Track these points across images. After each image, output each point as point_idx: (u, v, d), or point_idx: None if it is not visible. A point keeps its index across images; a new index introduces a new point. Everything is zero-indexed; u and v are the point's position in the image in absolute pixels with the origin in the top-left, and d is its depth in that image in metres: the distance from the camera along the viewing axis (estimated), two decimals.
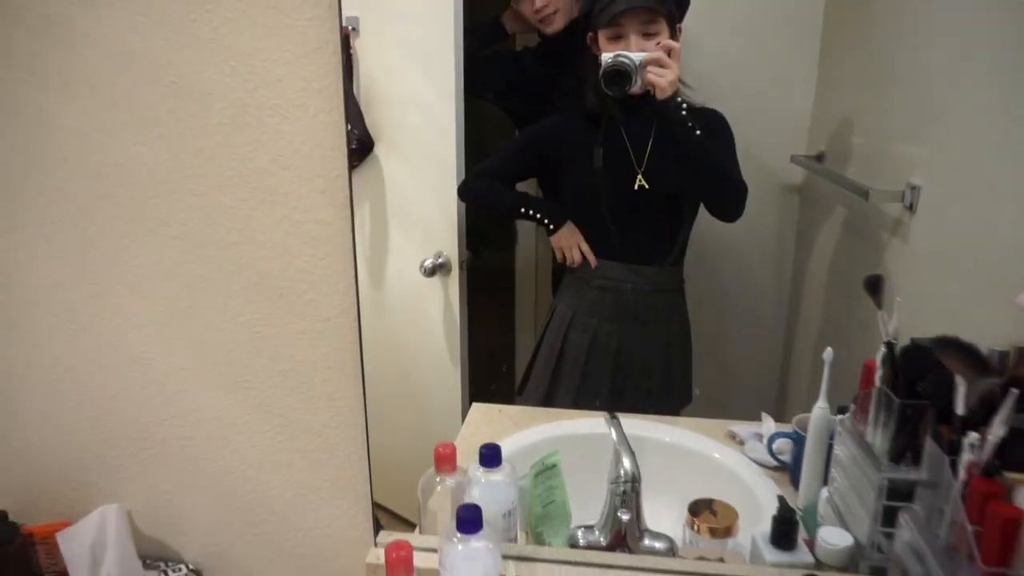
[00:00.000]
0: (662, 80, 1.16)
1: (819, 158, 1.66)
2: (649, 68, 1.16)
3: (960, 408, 0.77)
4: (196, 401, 1.11)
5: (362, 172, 1.64)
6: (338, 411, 1.09)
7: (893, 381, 0.91)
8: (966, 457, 0.75)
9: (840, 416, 1.06)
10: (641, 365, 1.41)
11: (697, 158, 1.25)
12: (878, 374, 0.94)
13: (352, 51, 1.57)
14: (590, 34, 1.25)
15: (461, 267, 1.61)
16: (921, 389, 0.86)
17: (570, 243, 1.37)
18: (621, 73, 1.17)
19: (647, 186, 1.29)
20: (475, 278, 1.75)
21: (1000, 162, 0.97)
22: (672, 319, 1.43)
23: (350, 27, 1.56)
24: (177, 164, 1.00)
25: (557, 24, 1.39)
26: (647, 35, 1.19)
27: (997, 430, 0.73)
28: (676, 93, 1.17)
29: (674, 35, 1.22)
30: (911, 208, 1.19)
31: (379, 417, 1.20)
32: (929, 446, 0.82)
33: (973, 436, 0.74)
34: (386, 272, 1.70)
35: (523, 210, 1.43)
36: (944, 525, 0.78)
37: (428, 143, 1.56)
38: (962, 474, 0.76)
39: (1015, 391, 0.72)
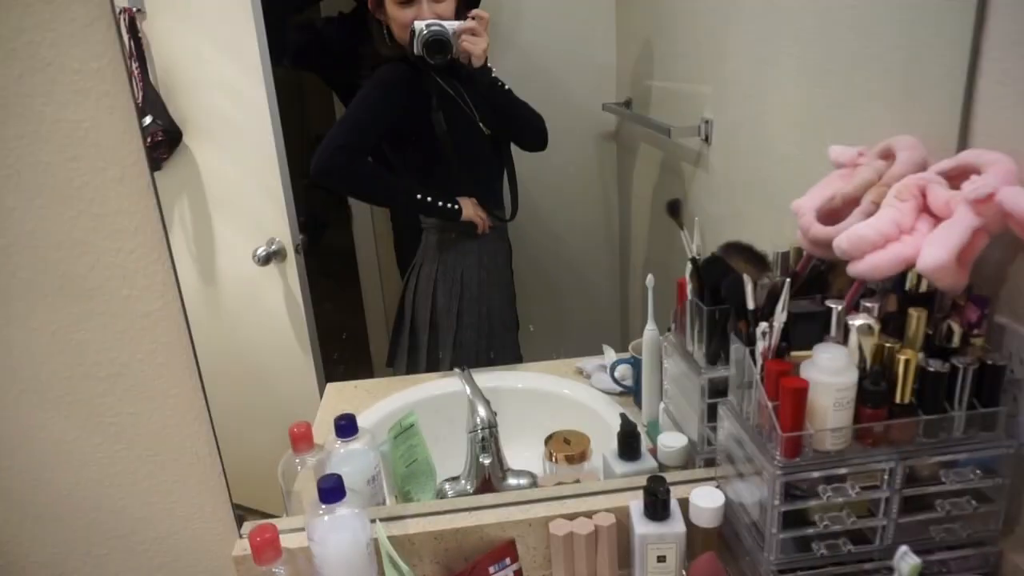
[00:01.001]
0: (476, 48, 1.21)
1: (627, 104, 1.78)
2: (463, 37, 1.21)
3: (750, 303, 0.87)
4: (12, 427, 1.02)
5: (174, 165, 1.54)
6: (176, 408, 1.04)
7: (700, 292, 1.01)
8: (760, 345, 0.85)
9: (667, 334, 1.16)
10: (500, 309, 1.50)
11: (511, 106, 1.35)
12: (688, 288, 1.04)
13: (141, 34, 1.46)
14: (373, 1, 1.26)
15: (297, 251, 1.57)
16: (723, 294, 0.96)
17: (476, 210, 1.41)
18: (441, 42, 1.20)
19: (487, 131, 1.36)
20: (314, 261, 1.72)
21: (775, 88, 1.10)
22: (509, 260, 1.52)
23: (134, 8, 1.45)
24: None
25: None
26: (437, 2, 1.23)
27: (779, 317, 0.83)
28: (487, 61, 1.24)
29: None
30: (707, 140, 1.31)
31: (234, 416, 1.16)
32: (732, 342, 0.92)
33: (764, 325, 0.84)
34: (217, 266, 1.62)
35: (419, 199, 1.40)
36: (752, 408, 0.89)
37: (241, 126, 1.49)
38: (759, 360, 0.86)
39: (788, 280, 0.83)
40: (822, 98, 0.95)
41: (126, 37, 1.47)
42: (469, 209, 1.40)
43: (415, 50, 1.22)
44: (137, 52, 1.49)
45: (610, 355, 1.43)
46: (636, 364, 1.29)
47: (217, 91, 1.49)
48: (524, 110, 1.36)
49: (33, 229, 0.94)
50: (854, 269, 0.72)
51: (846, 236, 0.70)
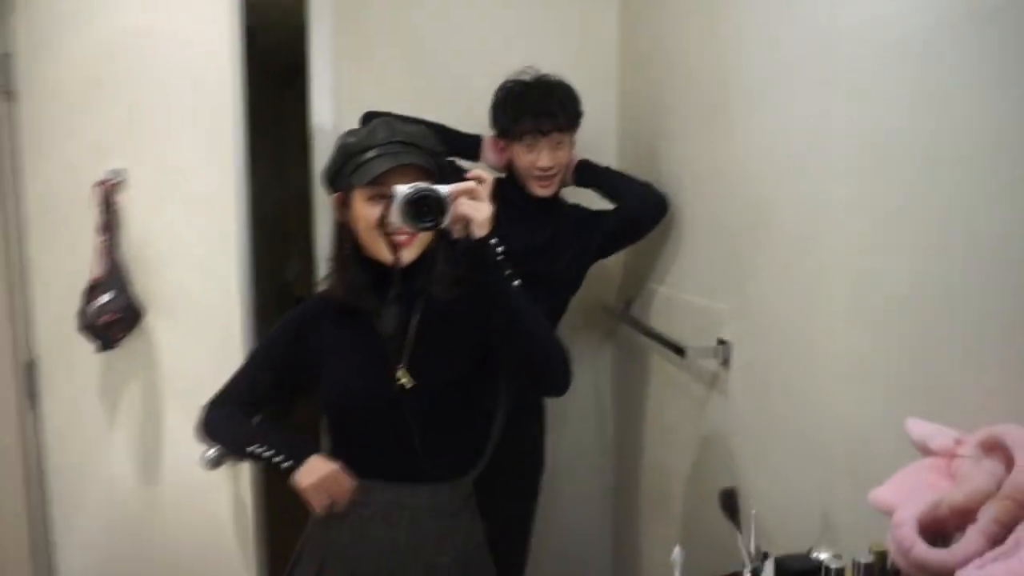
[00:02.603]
0: (478, 214, 0.90)
1: (626, 306, 1.68)
2: (460, 200, 0.90)
3: None
4: None
5: (129, 345, 1.36)
6: None
7: None
8: None
9: None
10: None
11: (518, 316, 0.94)
12: None
13: (113, 207, 1.34)
14: (337, 195, 1.01)
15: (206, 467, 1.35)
16: None
17: (325, 485, 0.97)
18: (428, 198, 0.90)
19: (407, 383, 0.98)
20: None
21: (817, 325, 0.98)
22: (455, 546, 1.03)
23: (111, 180, 1.34)
24: None
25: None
26: None
27: None
28: (491, 233, 0.91)
29: None
30: (725, 364, 1.18)
31: None
32: None
33: None
34: (163, 464, 1.39)
35: (254, 447, 1.01)
36: None
37: (209, 308, 1.35)
38: None
39: None
40: (884, 348, 0.82)
41: (99, 210, 1.36)
42: (308, 477, 0.96)
43: (392, 218, 0.91)
44: (108, 224, 1.36)
45: None
46: None
47: (189, 269, 1.35)
48: (541, 327, 0.98)
49: None
50: None
51: None
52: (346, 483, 0.98)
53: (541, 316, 0.98)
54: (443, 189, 0.91)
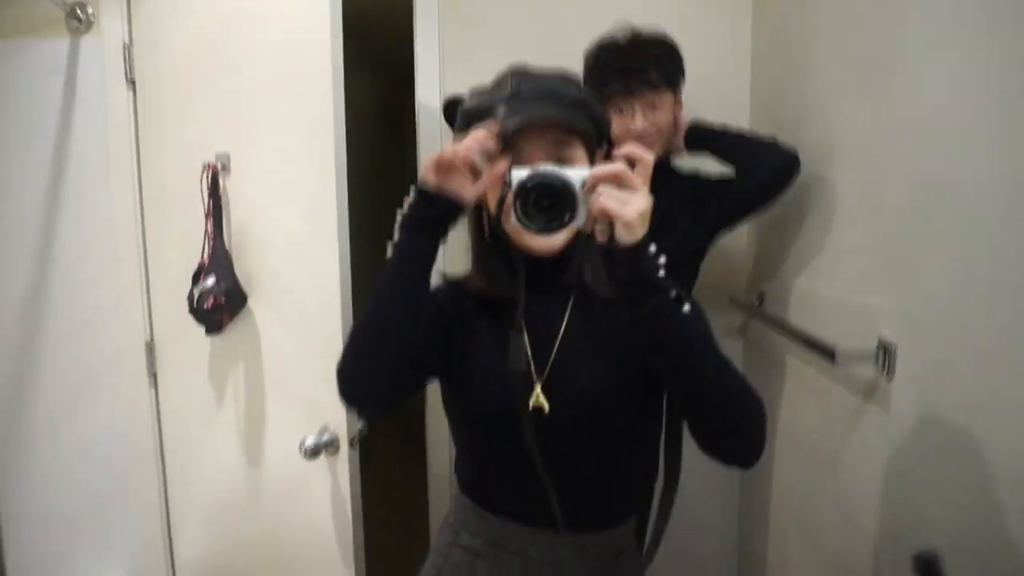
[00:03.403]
0: (627, 210, 0.65)
1: (760, 300, 1.47)
2: (601, 189, 0.66)
3: None
4: None
5: (235, 330, 1.36)
6: None
7: None
8: None
9: None
10: None
11: (690, 357, 0.68)
12: None
13: (222, 191, 1.34)
14: None
15: (352, 444, 1.31)
16: None
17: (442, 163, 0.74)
18: (551, 188, 0.68)
19: (547, 407, 0.77)
20: (373, 453, 1.43)
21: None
22: None
23: (219, 164, 1.34)
24: None
25: None
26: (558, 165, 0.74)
27: None
28: (647, 238, 0.67)
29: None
30: (887, 371, 0.96)
31: None
32: None
33: None
34: (264, 449, 1.38)
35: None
36: None
37: (306, 294, 1.30)
38: None
39: None
40: None
41: (206, 194, 1.37)
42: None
43: (510, 218, 0.70)
44: (215, 209, 1.36)
45: None
46: None
47: (289, 256, 1.32)
48: (728, 372, 0.70)
49: None
50: None
51: None
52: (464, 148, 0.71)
53: (724, 357, 0.70)
54: (576, 174, 0.68)
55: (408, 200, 0.74)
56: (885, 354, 0.96)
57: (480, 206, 0.79)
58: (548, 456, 0.76)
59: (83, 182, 1.44)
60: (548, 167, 0.70)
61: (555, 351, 0.79)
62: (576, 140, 0.75)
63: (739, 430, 0.71)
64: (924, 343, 0.90)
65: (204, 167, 1.32)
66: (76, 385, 1.48)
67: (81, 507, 1.50)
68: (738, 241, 1.53)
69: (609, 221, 0.66)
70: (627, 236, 0.65)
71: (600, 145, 0.79)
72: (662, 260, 0.67)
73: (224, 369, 1.40)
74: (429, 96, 1.57)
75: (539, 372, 0.77)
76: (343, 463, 1.32)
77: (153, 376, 1.47)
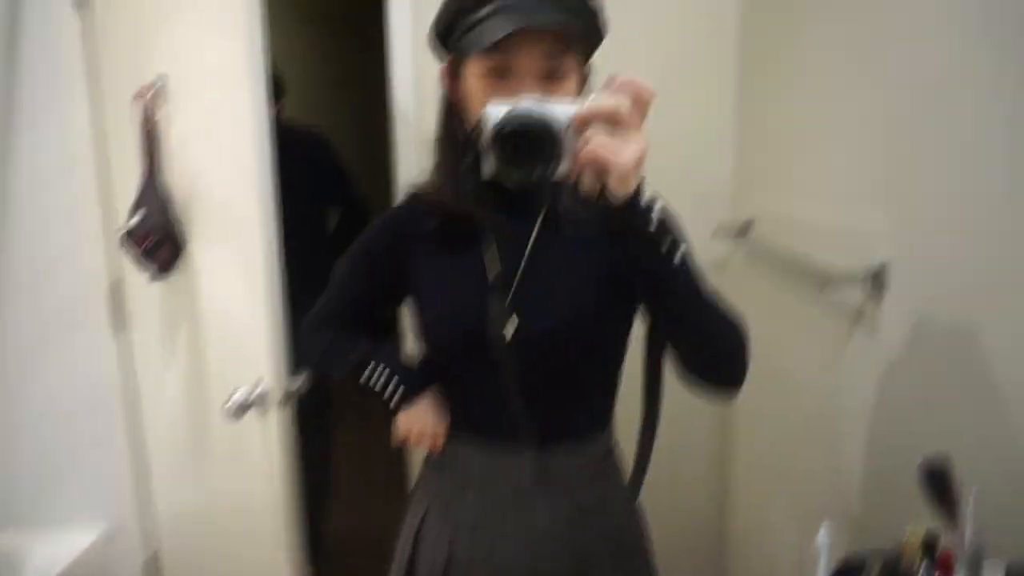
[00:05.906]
0: (620, 158, 0.54)
1: (746, 228, 1.32)
2: (590, 131, 0.55)
3: None
4: None
5: (179, 277, 1.21)
6: None
7: None
8: None
9: None
10: None
11: (684, 303, 0.65)
12: None
13: (152, 119, 1.14)
14: (445, 69, 0.74)
15: (284, 402, 1.16)
16: None
17: (423, 436, 0.83)
18: (531, 131, 0.57)
19: (522, 327, 0.74)
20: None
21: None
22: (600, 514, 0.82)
23: (151, 89, 1.13)
24: None
25: None
26: (550, 80, 0.67)
27: None
28: (640, 186, 0.57)
29: (583, 81, 0.72)
30: (878, 290, 0.83)
31: None
32: None
33: None
34: (209, 403, 1.23)
35: (368, 369, 0.83)
36: None
37: (237, 236, 1.14)
38: None
39: None
40: None
41: (138, 124, 1.18)
42: (412, 417, 0.82)
43: (487, 166, 0.59)
44: (147, 138, 1.19)
45: None
46: None
47: (232, 191, 1.15)
48: (713, 306, 0.67)
49: None
50: None
51: None
52: (439, 441, 0.82)
53: (714, 296, 0.66)
54: (562, 111, 0.56)
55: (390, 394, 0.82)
56: (876, 276, 0.83)
57: (451, 108, 0.75)
58: (516, 373, 0.75)
59: (36, 114, 1.25)
60: (529, 104, 0.58)
61: (521, 270, 0.76)
62: (571, 51, 0.67)
63: (724, 359, 0.69)
64: (917, 265, 0.76)
65: (138, 93, 1.15)
66: (43, 328, 1.32)
67: (51, 456, 1.36)
68: (722, 166, 1.37)
69: (597, 169, 0.55)
70: (620, 188, 0.55)
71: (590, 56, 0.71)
72: (657, 207, 0.58)
73: (174, 316, 1.26)
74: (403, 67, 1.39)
75: (505, 290, 0.76)
76: (272, 424, 1.18)
77: (118, 322, 1.30)
